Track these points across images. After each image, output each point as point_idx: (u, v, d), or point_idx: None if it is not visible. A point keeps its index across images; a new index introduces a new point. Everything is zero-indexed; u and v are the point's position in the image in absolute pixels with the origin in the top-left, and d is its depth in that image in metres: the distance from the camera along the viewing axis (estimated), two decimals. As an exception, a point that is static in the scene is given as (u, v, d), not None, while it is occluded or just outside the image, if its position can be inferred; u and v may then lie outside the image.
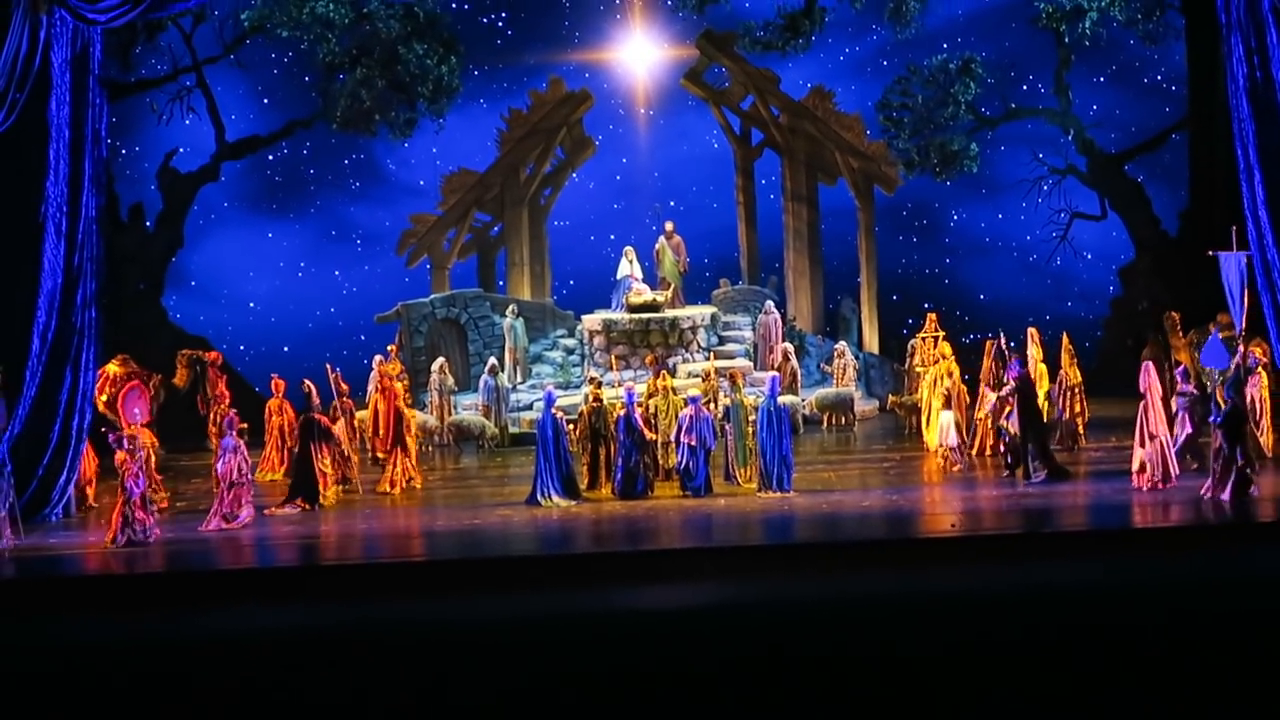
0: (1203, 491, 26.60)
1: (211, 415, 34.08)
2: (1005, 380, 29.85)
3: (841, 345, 37.61)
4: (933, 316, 34.65)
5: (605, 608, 22.06)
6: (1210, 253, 30.06)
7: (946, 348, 33.16)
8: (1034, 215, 43.86)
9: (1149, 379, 27.67)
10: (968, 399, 32.15)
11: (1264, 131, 27.74)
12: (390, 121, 42.64)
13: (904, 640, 17.59)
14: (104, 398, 29.98)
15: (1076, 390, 32.36)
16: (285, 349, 37.96)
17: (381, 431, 31.78)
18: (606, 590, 23.02)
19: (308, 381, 30.09)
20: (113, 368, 33.00)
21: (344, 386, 31.43)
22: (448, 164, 43.85)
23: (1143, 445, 27.55)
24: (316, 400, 29.75)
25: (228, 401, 34.29)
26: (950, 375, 32.01)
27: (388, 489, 30.60)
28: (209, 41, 42.58)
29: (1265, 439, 29.76)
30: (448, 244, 43.34)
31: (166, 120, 42.82)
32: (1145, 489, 27.28)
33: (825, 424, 36.52)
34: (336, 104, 42.09)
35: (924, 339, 34.53)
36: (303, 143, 44.95)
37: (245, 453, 28.05)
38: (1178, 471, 27.52)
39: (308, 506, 29.19)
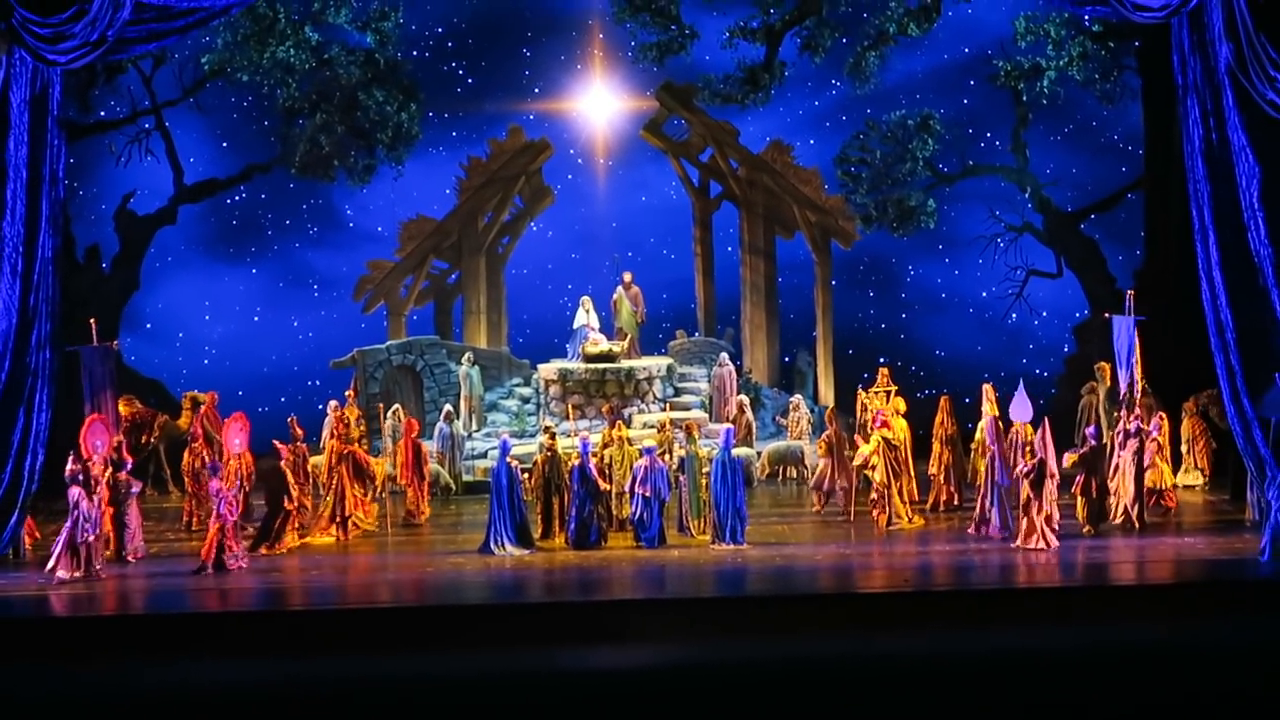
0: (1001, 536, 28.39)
1: (191, 457, 33.55)
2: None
3: (797, 398, 37.67)
4: (884, 371, 34.68)
5: (553, 666, 22.06)
6: (1106, 315, 31.46)
7: (900, 402, 33.21)
8: (990, 272, 44.00)
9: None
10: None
11: (1219, 193, 27.91)
12: (349, 167, 42.65)
13: (857, 705, 17.57)
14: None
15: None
16: (240, 393, 37.80)
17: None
18: (557, 647, 22.99)
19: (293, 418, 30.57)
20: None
21: (299, 432, 31.43)
22: (406, 211, 43.86)
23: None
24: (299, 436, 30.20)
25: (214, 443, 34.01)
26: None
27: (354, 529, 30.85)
28: (169, 84, 42.53)
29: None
30: (405, 290, 43.32)
31: (125, 162, 42.75)
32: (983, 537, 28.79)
33: (779, 477, 36.53)
34: (295, 149, 42.10)
35: (876, 393, 34.58)
36: (261, 187, 44.86)
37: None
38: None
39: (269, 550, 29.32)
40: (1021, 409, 29.15)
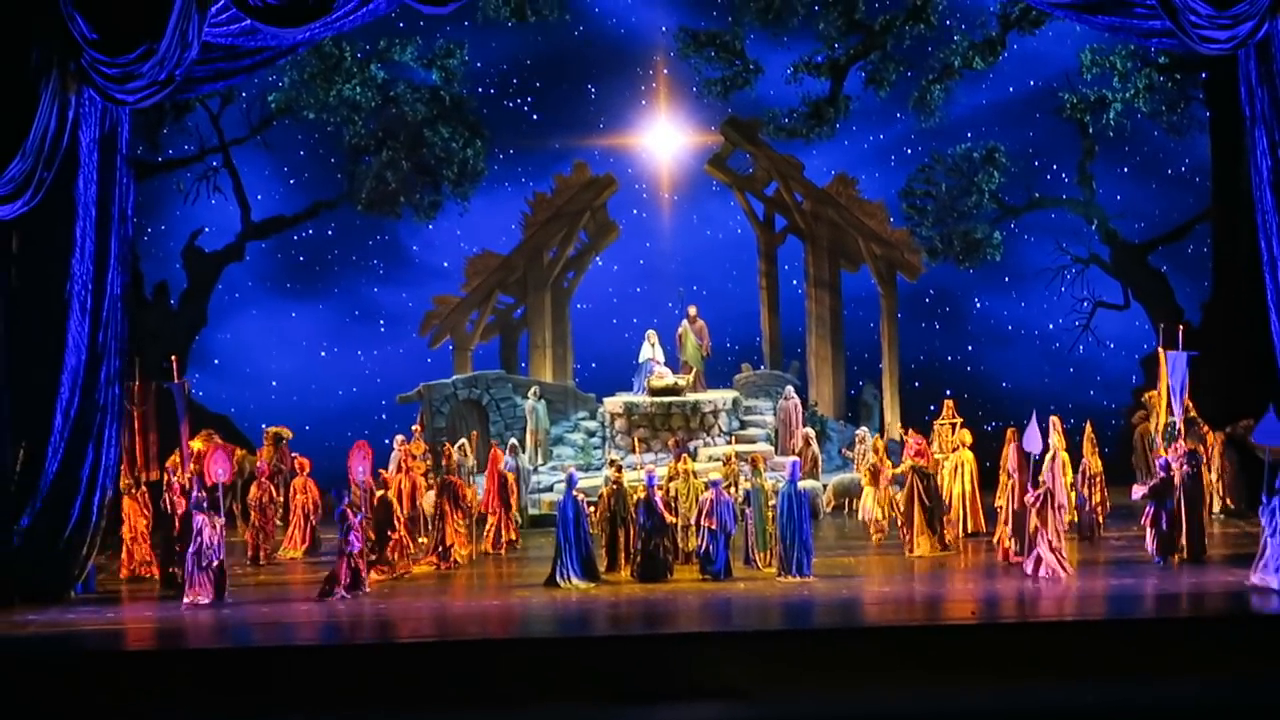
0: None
1: (259, 491, 33.57)
2: (1154, 470, 30.48)
3: (863, 431, 37.57)
4: (950, 403, 34.67)
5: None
6: (1160, 349, 31.38)
7: (966, 435, 33.17)
8: (1057, 304, 43.88)
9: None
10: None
11: (1287, 224, 27.83)
12: (415, 203, 42.87)
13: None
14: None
15: (1097, 480, 32.41)
16: (306, 428, 37.88)
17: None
18: (620, 690, 22.96)
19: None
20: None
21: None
22: (471, 246, 44.04)
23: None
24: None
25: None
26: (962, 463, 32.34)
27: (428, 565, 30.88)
28: (236, 122, 42.85)
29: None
30: (470, 325, 43.44)
31: (193, 200, 43.08)
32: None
33: (845, 509, 36.46)
34: (362, 185, 42.35)
35: (942, 425, 34.54)
36: (327, 223, 45.12)
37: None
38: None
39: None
40: (1032, 441, 29.04)
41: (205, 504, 27.98)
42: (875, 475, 32.87)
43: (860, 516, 33.50)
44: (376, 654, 24.15)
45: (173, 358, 31.94)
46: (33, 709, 22.68)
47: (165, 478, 30.67)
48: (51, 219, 28.34)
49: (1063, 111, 42.16)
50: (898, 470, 31.92)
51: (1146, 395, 35.79)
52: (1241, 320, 35.87)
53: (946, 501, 32.30)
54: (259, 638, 25.54)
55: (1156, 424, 33.39)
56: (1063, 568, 27.92)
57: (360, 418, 43.16)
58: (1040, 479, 28.40)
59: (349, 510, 28.32)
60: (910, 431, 33.80)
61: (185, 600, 27.59)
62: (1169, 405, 31.58)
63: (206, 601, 27.52)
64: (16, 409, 28.15)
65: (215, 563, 27.80)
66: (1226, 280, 39.60)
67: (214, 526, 27.84)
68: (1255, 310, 29.88)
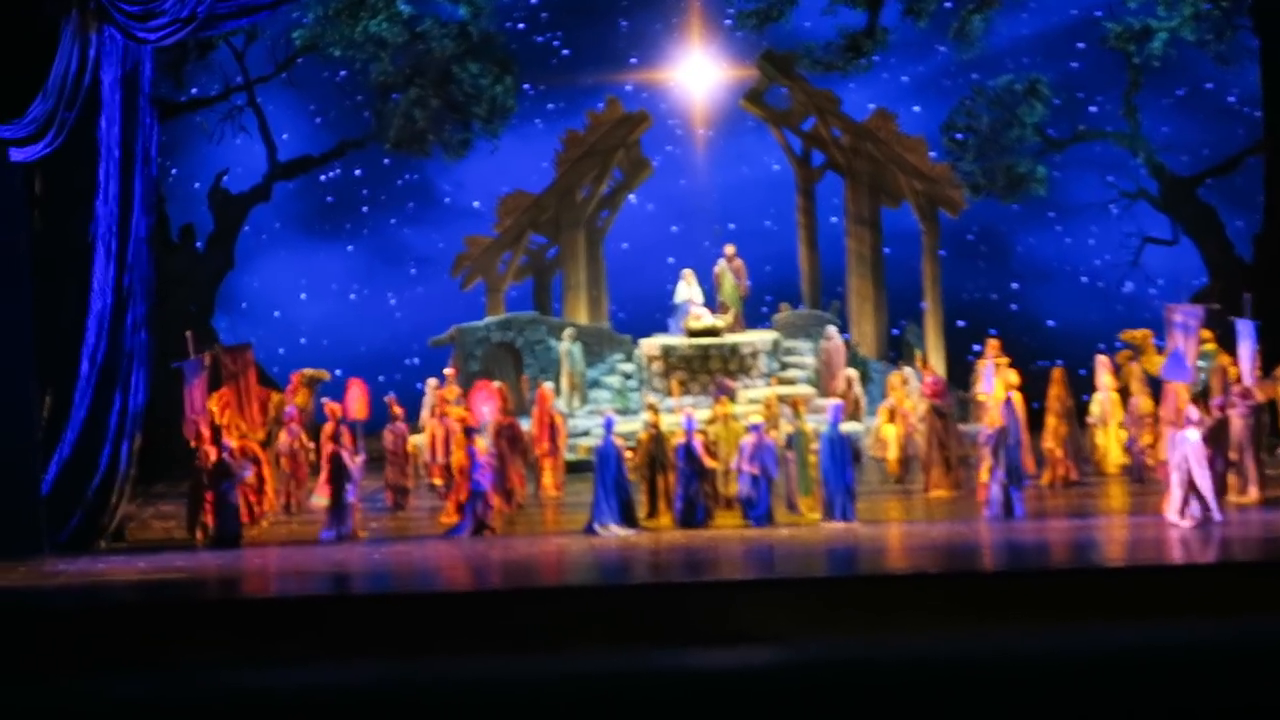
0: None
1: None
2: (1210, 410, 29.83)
3: (907, 372, 37.32)
4: (994, 342, 34.34)
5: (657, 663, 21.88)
6: (1215, 306, 30.85)
7: (1012, 375, 32.85)
8: (1103, 240, 43.55)
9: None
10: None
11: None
12: (444, 142, 42.64)
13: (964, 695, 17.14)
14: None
15: (1147, 420, 31.93)
16: (338, 372, 37.81)
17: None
18: (662, 634, 22.77)
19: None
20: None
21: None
22: (503, 185, 43.81)
23: None
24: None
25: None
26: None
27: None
28: (261, 60, 42.64)
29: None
30: (503, 266, 43.26)
31: (218, 140, 42.92)
32: None
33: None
34: (390, 124, 42.12)
35: (986, 364, 34.25)
36: (355, 163, 44.98)
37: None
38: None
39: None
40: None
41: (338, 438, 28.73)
42: (892, 413, 32.88)
43: (875, 454, 33.76)
44: (410, 603, 24.00)
45: (188, 334, 30.94)
46: (62, 660, 22.56)
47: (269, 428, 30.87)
48: (74, 161, 28.19)
49: (1106, 41, 41.71)
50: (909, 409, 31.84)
51: (1129, 334, 35.19)
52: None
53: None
54: (297, 588, 25.45)
55: (1144, 364, 32.85)
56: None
57: (392, 362, 43.15)
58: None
59: (476, 447, 28.47)
60: (927, 367, 33.62)
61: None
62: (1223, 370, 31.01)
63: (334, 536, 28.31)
64: (42, 355, 28.00)
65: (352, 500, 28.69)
66: (1278, 213, 39.20)
67: (354, 463, 28.81)
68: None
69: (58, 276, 28.36)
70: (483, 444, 29.15)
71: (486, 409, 30.64)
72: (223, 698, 15.54)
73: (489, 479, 28.57)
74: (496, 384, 32.61)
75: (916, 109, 44.50)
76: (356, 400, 31.49)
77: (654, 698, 17.62)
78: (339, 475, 28.88)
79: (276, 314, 45.36)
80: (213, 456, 28.82)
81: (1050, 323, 44.68)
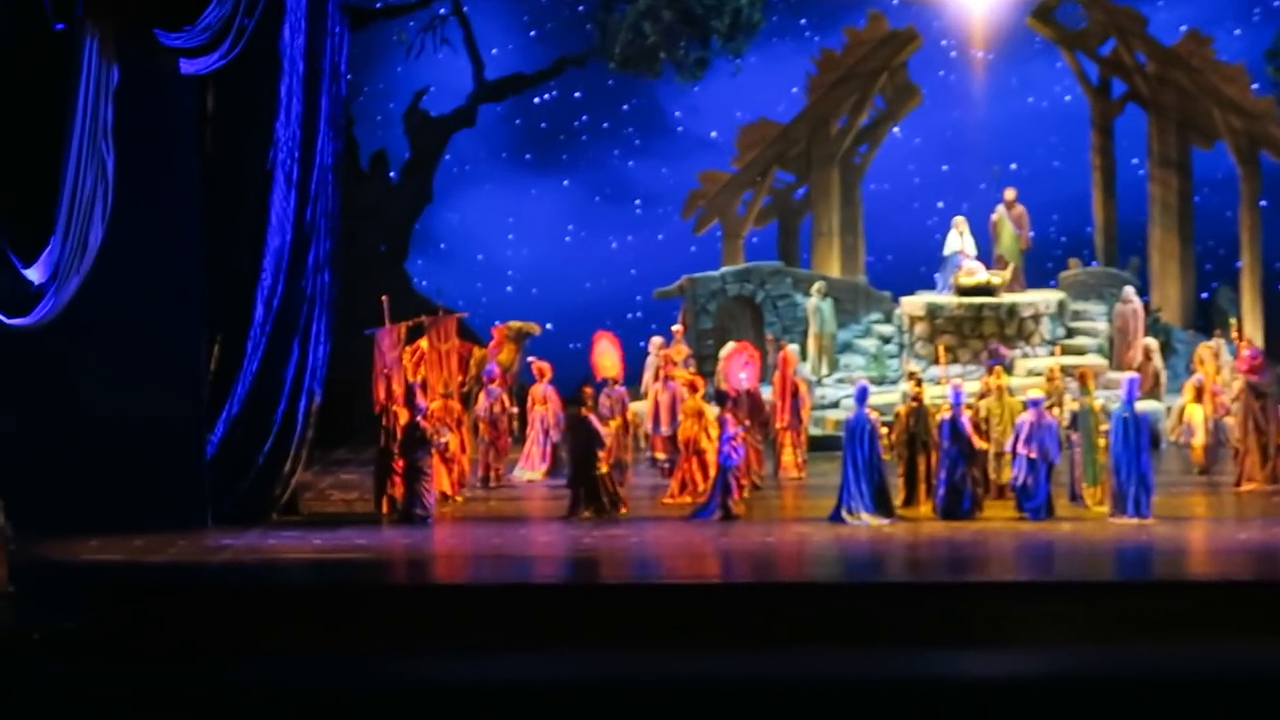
0: None
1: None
2: None
3: (1217, 342, 36.88)
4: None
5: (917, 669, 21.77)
6: None
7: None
8: None
9: None
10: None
11: None
12: (678, 61, 42.76)
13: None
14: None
15: None
16: (548, 326, 38.04)
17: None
18: (920, 641, 22.70)
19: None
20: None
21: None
22: (745, 113, 43.86)
23: None
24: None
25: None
26: None
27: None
28: (468, -38, 43.05)
29: None
30: (743, 208, 43.32)
31: (416, 54, 43.37)
32: None
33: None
34: (615, 39, 42.28)
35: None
36: (574, 84, 45.23)
37: None
38: None
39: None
40: None
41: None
42: (1200, 391, 32.55)
43: (1176, 439, 33.51)
44: (632, 595, 24.13)
45: (384, 299, 31.11)
46: (227, 647, 22.95)
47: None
48: (252, 75, 28.52)
49: None
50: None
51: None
52: None
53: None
54: (492, 574, 25.69)
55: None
56: None
57: (611, 316, 43.28)
58: None
59: (730, 417, 28.65)
60: (1242, 338, 33.20)
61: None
62: None
63: None
64: (211, 298, 28.41)
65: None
66: None
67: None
68: None
69: (230, 208, 28.76)
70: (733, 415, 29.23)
71: (744, 374, 30.66)
72: (404, 689, 15.75)
73: (741, 454, 28.62)
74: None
75: (1237, 32, 44.01)
76: (607, 356, 31.56)
77: (902, 705, 17.57)
78: (588, 443, 29.02)
79: (480, 257, 45.75)
80: (404, 419, 29.10)
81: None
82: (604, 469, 29.38)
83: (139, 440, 27.35)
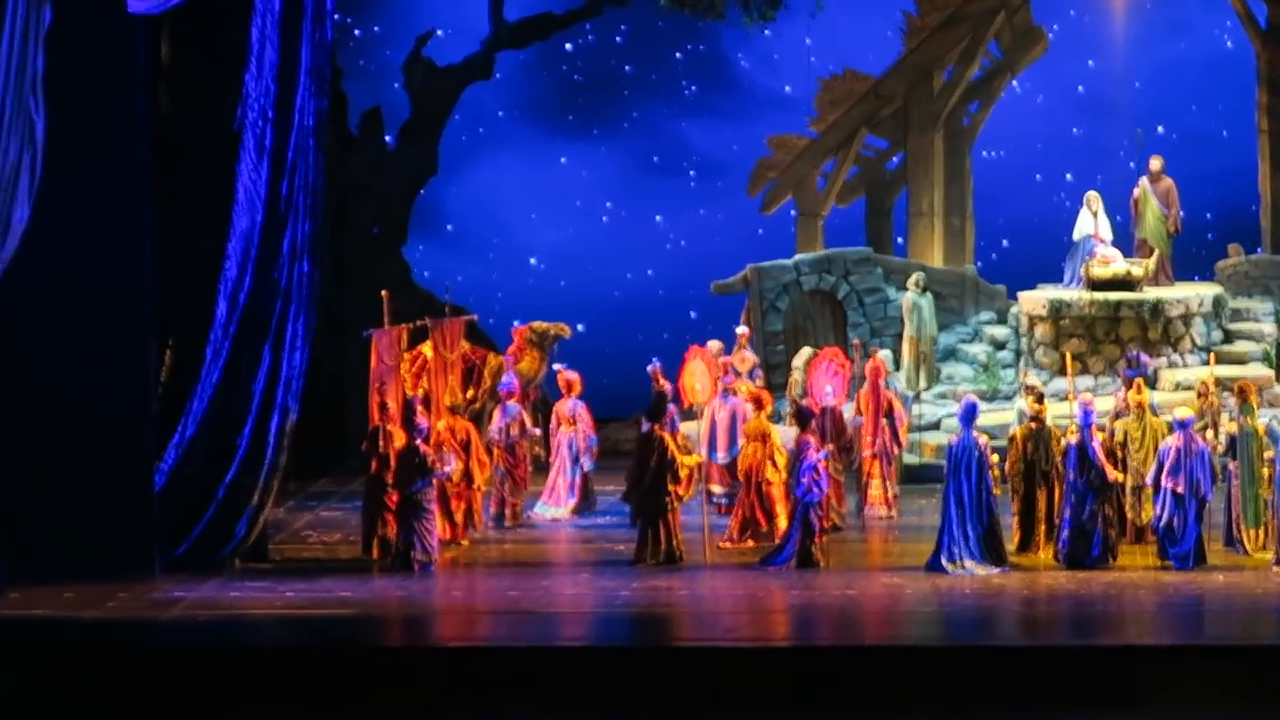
0: None
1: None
2: None
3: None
4: None
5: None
6: None
7: None
8: None
9: None
10: None
11: None
12: (744, -1, 42.90)
13: None
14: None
15: None
16: (580, 327, 38.22)
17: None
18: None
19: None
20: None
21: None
22: (826, 64, 43.98)
23: None
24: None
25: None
26: None
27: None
28: (487, -124, 43.28)
29: None
30: (823, 181, 43.45)
31: (422, -9, 43.60)
32: None
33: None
34: (667, -33, 42.49)
35: None
36: (615, 26, 45.41)
37: None
38: None
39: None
40: None
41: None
42: None
43: None
44: (681, 660, 24.29)
45: (384, 294, 31.46)
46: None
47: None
48: (217, 16, 28.76)
49: None
50: None
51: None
52: None
53: None
54: (508, 634, 25.87)
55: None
56: None
57: (659, 313, 43.52)
58: None
59: (813, 440, 28.94)
60: None
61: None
62: None
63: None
64: (163, 292, 28.50)
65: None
66: None
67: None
68: None
69: (188, 181, 28.92)
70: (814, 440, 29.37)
71: (831, 387, 30.78)
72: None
73: (824, 487, 28.70)
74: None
75: None
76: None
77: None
78: (660, 471, 29.24)
79: (495, 240, 45.97)
80: (400, 443, 29.26)
81: None
82: (675, 509, 29.50)
83: (71, 469, 27.55)
